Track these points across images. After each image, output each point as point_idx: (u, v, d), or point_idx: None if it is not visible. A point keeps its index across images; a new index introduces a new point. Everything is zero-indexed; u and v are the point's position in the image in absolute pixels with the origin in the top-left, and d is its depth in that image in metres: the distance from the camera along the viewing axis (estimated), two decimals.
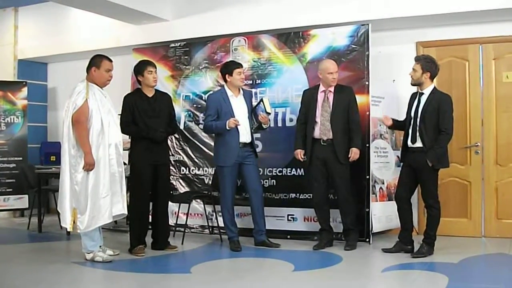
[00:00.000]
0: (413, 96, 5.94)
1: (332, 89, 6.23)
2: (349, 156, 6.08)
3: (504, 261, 5.72)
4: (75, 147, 5.41)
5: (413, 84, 5.88)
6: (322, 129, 6.19)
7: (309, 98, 6.35)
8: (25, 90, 8.98)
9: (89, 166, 5.36)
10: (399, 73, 6.72)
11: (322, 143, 6.18)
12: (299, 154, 6.33)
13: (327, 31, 6.94)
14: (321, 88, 6.28)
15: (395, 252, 5.90)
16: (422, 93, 5.80)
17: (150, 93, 6.14)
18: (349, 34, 6.78)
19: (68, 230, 5.58)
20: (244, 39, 7.41)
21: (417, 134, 5.73)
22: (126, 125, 5.98)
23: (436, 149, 5.62)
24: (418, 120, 5.73)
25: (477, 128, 6.87)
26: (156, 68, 6.21)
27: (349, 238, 6.24)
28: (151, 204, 6.23)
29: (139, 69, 6.11)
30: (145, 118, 6.02)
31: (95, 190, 5.40)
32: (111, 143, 5.50)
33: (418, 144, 5.73)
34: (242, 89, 6.54)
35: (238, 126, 6.16)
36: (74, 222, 5.43)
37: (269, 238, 6.42)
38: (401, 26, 6.97)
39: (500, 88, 6.81)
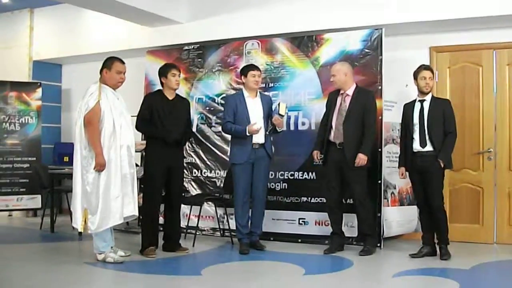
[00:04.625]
0: (410, 104, 6.01)
1: (350, 92, 6.20)
2: (356, 161, 6.06)
3: None
4: (87, 148, 5.44)
5: (427, 92, 5.91)
6: (336, 133, 6.18)
7: (331, 101, 6.36)
8: (39, 91, 9.05)
9: (100, 167, 5.39)
10: (412, 78, 6.71)
11: (338, 147, 6.17)
12: (316, 154, 6.35)
13: (341, 35, 6.95)
14: (341, 91, 6.28)
15: (423, 256, 5.89)
16: (424, 100, 5.91)
17: (171, 96, 6.19)
18: (363, 39, 6.78)
19: (79, 230, 5.60)
20: (258, 43, 7.43)
21: (426, 138, 5.80)
22: (142, 123, 6.04)
23: (448, 150, 5.79)
24: (426, 125, 5.81)
25: (490, 134, 6.83)
26: (179, 72, 6.28)
27: (366, 243, 6.17)
28: (163, 205, 6.25)
29: (163, 71, 6.19)
30: (164, 119, 6.05)
31: (106, 191, 5.43)
32: (122, 144, 5.53)
33: (428, 147, 5.79)
34: (261, 93, 6.56)
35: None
36: (85, 222, 5.46)
37: (260, 240, 6.44)
38: (415, 31, 6.96)
39: None
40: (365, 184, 6.18)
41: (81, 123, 5.46)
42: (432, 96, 5.97)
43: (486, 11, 6.32)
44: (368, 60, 6.69)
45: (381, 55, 6.65)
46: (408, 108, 6.04)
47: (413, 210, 6.56)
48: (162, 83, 6.23)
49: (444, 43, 7.00)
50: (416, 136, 5.87)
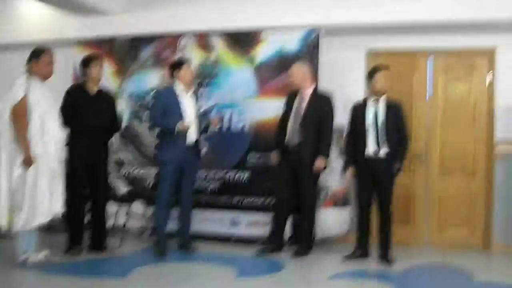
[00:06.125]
0: (361, 106, 5.87)
1: (308, 93, 6.08)
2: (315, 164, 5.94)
3: (445, 271, 5.75)
4: (13, 142, 5.15)
5: (381, 94, 5.79)
6: (292, 134, 6.03)
7: (289, 101, 6.19)
8: None
9: (27, 162, 5.11)
10: (348, 80, 6.71)
11: (294, 148, 6.01)
12: (275, 156, 6.19)
13: (277, 35, 6.87)
14: (299, 91, 6.14)
15: (356, 258, 5.85)
16: (378, 101, 5.78)
17: (93, 89, 5.96)
18: (300, 39, 6.72)
19: (4, 228, 5.27)
20: (193, 38, 7.24)
21: (382, 142, 5.70)
22: (67, 120, 5.71)
23: (404, 156, 5.78)
24: (381, 128, 5.71)
25: (422, 138, 6.91)
26: (103, 62, 6.08)
27: (301, 245, 6.07)
28: (88, 203, 5.99)
29: (86, 62, 5.96)
30: (86, 114, 5.81)
31: (33, 187, 5.15)
32: (51, 139, 5.26)
33: (383, 152, 5.70)
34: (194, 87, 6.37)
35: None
36: (10, 220, 5.15)
37: (189, 243, 6.21)
38: (351, 32, 6.93)
39: (447, 99, 6.88)
40: (316, 187, 6.13)
41: (7, 117, 5.16)
42: (387, 98, 5.82)
43: (422, 16, 6.37)
44: (304, 62, 6.61)
45: (318, 56, 6.60)
46: (359, 110, 5.86)
47: (346, 212, 6.57)
48: (85, 75, 5.99)
49: (380, 46, 7.01)
50: (371, 139, 5.74)
